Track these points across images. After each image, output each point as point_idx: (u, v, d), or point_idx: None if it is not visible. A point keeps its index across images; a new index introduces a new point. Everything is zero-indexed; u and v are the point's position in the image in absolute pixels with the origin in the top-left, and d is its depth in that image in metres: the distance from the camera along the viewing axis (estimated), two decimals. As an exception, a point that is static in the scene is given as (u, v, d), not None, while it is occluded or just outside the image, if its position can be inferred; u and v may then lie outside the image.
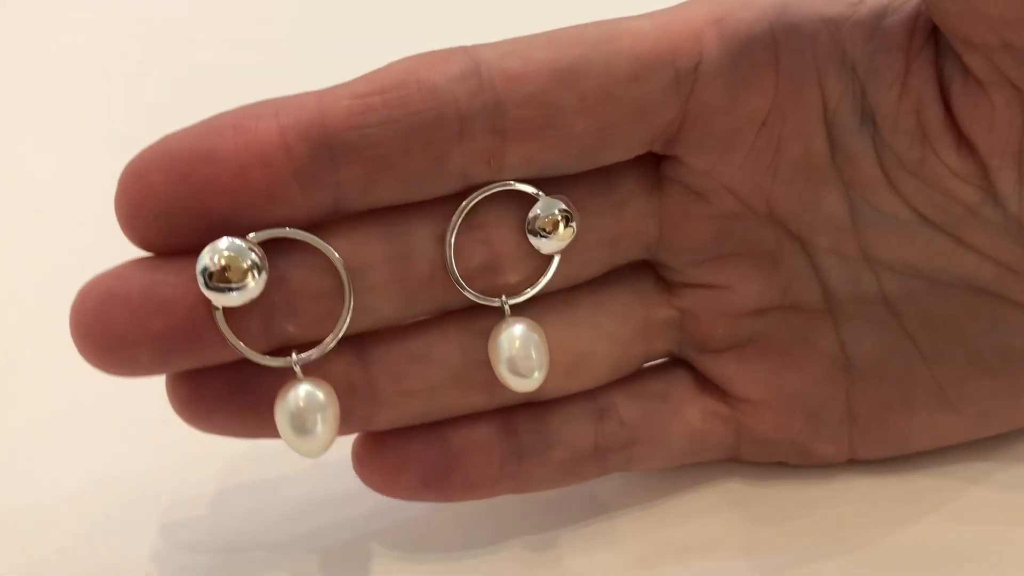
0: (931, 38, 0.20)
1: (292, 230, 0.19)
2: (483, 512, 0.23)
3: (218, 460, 0.25)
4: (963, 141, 0.20)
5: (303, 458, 0.20)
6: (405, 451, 0.21)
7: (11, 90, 0.42)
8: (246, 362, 0.20)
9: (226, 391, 0.20)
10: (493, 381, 0.21)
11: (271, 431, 0.20)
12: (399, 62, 0.19)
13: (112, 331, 0.18)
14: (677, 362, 0.23)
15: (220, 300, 0.18)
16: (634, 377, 0.23)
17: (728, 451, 0.23)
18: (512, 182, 0.20)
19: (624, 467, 0.23)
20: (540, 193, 0.20)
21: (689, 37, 0.20)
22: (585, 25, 0.20)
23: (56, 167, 0.37)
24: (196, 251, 0.19)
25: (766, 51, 0.20)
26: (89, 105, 0.40)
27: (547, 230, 0.20)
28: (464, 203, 0.20)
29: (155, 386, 0.20)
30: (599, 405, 0.22)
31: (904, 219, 0.21)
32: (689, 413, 0.23)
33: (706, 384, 0.23)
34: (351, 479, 0.22)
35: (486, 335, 0.21)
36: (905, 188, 0.21)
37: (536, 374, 0.20)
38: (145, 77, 0.40)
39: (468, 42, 0.20)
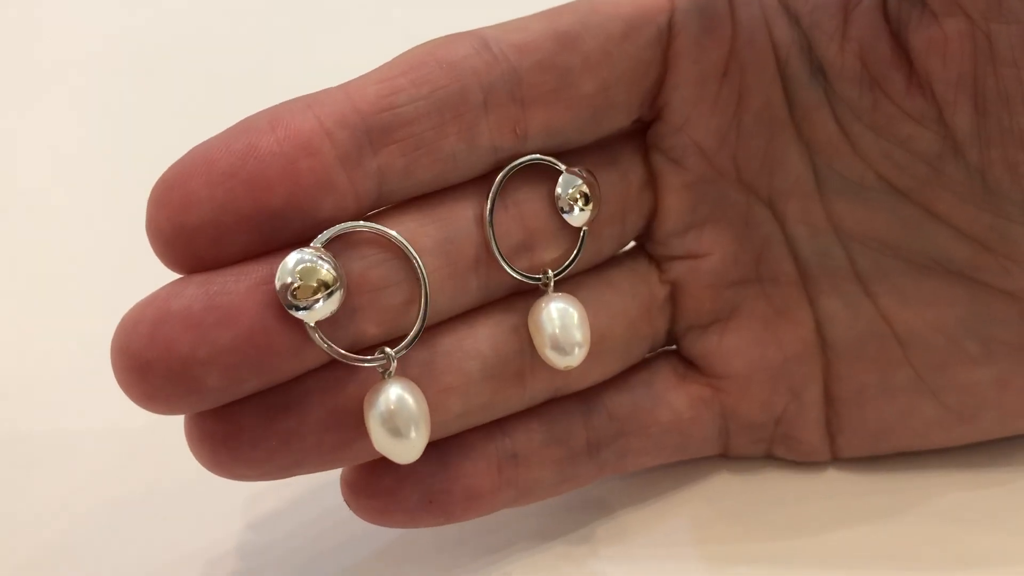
0: None
1: (357, 223, 0.18)
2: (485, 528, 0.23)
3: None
4: (913, 81, 0.20)
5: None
6: (401, 470, 0.20)
7: (23, 117, 0.40)
8: (285, 389, 0.18)
9: (268, 419, 0.18)
10: (524, 371, 0.21)
11: (319, 457, 0.19)
12: (412, 49, 0.20)
13: (175, 354, 0.17)
14: (661, 355, 0.24)
15: (308, 316, 0.17)
16: (620, 372, 0.23)
17: (718, 442, 0.24)
18: (538, 156, 0.20)
19: (619, 465, 0.23)
20: (563, 165, 0.21)
21: None
22: (562, 5, 0.21)
23: (49, 165, 0.36)
24: (244, 259, 0.18)
25: (723, 4, 0.22)
26: (101, 131, 0.39)
27: (575, 200, 0.21)
28: (500, 176, 0.20)
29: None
30: (588, 401, 0.22)
31: (870, 186, 0.22)
32: (674, 399, 0.23)
33: (689, 370, 0.24)
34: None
35: (514, 322, 0.21)
36: (865, 146, 0.21)
37: (577, 351, 0.20)
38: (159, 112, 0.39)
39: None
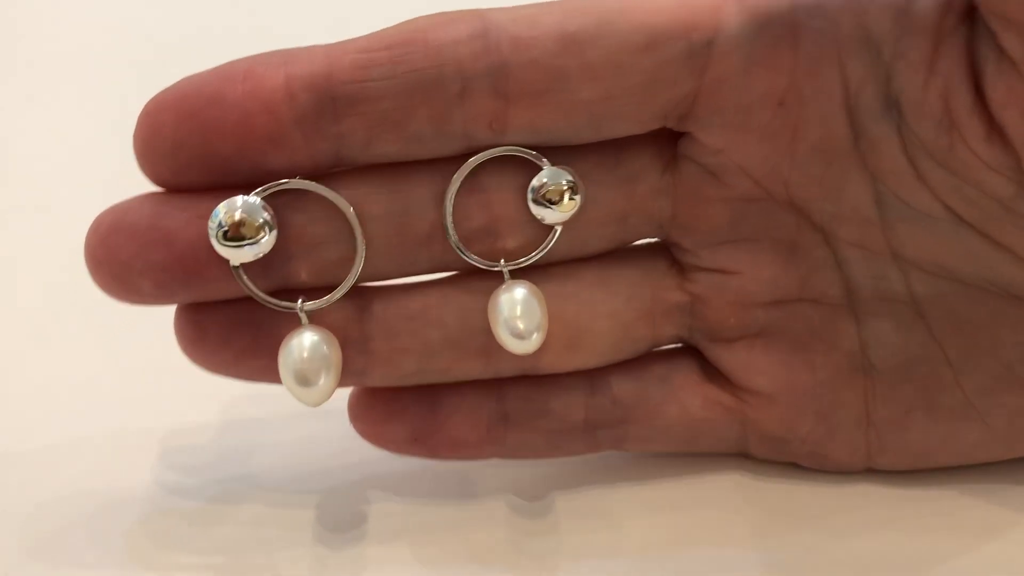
0: (965, 20, 0.19)
1: (300, 180, 0.20)
2: (480, 472, 0.23)
3: (216, 399, 0.25)
4: (994, 129, 0.19)
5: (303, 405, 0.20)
6: (395, 406, 0.22)
7: (17, 87, 0.42)
8: (252, 304, 0.20)
9: (230, 330, 0.20)
10: (490, 348, 0.21)
11: (269, 377, 0.20)
12: (411, 21, 0.20)
13: (117, 259, 0.19)
14: (685, 350, 0.23)
15: (233, 256, 0.19)
16: (637, 359, 0.23)
17: (734, 444, 0.23)
18: (516, 147, 0.20)
19: (616, 445, 0.23)
20: (545, 161, 0.20)
21: (707, 11, 0.20)
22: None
23: (61, 164, 0.37)
24: (203, 189, 0.19)
25: (785, 30, 0.20)
26: (96, 102, 0.41)
27: (551, 200, 0.20)
28: (465, 164, 0.20)
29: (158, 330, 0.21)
30: (593, 381, 0.22)
31: (935, 215, 0.20)
32: (689, 399, 0.23)
33: (713, 374, 0.23)
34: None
35: (486, 300, 0.21)
36: (934, 180, 0.20)
37: (535, 336, 0.20)
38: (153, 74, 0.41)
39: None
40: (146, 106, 0.19)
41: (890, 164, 0.20)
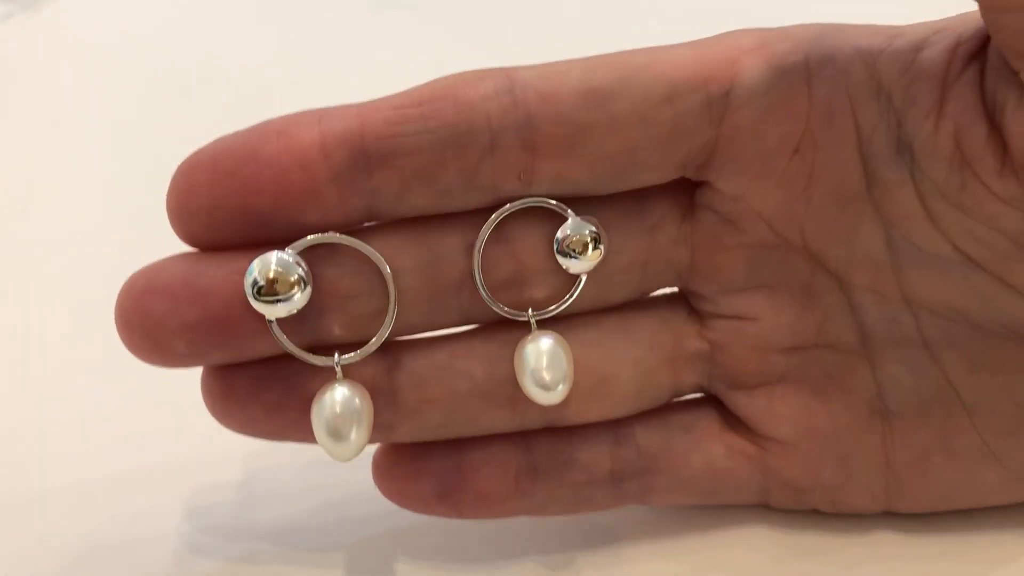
0: (973, 63, 0.20)
1: (334, 235, 0.20)
2: (499, 532, 0.23)
3: (243, 450, 0.25)
4: (1007, 163, 0.20)
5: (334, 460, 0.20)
6: (422, 462, 0.22)
7: (45, 116, 0.42)
8: (281, 359, 0.20)
9: (259, 384, 0.20)
10: (516, 397, 0.21)
11: (298, 433, 0.21)
12: (440, 79, 0.20)
13: (151, 318, 0.19)
14: (706, 399, 0.24)
15: (268, 311, 0.19)
16: (659, 409, 0.23)
17: (756, 494, 0.23)
18: (543, 198, 0.21)
19: (641, 498, 0.23)
20: (570, 212, 0.21)
21: (724, 63, 0.20)
22: (623, 52, 0.21)
23: (92, 193, 0.37)
24: (237, 247, 0.20)
25: (799, 80, 0.20)
26: (128, 132, 0.41)
27: (575, 250, 0.21)
28: (494, 215, 0.21)
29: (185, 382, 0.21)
30: (618, 431, 0.23)
31: (946, 257, 0.21)
32: (712, 448, 0.23)
33: (734, 422, 0.23)
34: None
35: (512, 350, 0.21)
36: (946, 222, 0.21)
37: (560, 387, 0.21)
38: (185, 103, 0.41)
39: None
40: (180, 167, 0.20)
41: (902, 208, 0.21)
